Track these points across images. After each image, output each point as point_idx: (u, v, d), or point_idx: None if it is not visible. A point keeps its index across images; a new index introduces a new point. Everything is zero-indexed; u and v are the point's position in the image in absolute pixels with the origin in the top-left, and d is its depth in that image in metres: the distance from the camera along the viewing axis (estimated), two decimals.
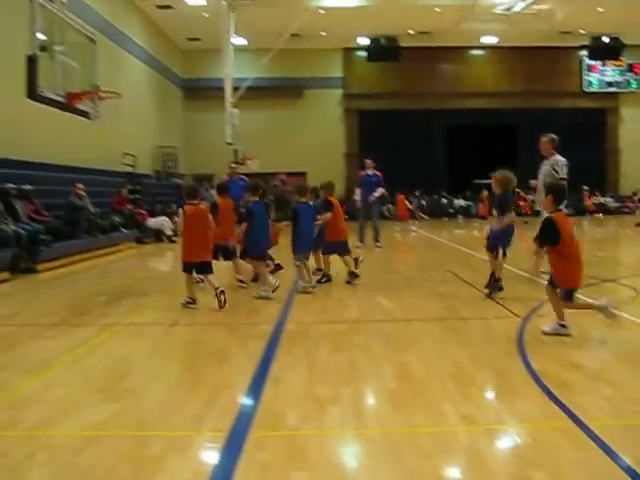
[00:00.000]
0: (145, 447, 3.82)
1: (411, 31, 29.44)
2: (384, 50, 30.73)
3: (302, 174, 32.55)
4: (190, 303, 8.19)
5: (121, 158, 21.47)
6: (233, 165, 12.63)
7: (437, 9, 25.85)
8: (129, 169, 21.67)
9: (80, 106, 10.90)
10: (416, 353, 5.87)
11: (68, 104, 10.65)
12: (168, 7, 25.09)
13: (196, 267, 8.25)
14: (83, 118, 11.34)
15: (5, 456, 3.74)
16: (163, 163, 27.45)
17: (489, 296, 8.58)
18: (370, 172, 16.13)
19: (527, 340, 6.22)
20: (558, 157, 10.09)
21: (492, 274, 8.75)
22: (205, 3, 24.18)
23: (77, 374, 5.51)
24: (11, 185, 13.43)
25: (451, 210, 31.78)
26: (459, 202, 32.14)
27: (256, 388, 4.91)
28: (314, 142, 31.79)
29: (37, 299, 9.68)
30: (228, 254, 9.77)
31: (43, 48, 10.11)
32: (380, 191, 16.10)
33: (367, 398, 4.83)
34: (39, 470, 3.56)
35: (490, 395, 4.89)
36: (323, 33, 29.51)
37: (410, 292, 9.39)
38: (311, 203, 9.59)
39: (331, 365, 5.56)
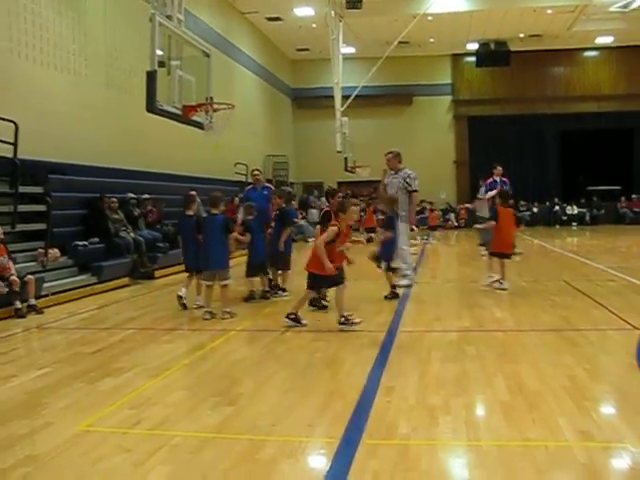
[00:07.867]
0: (259, 451, 3.92)
1: (521, 35, 28.80)
2: (493, 55, 30.25)
3: None
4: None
5: (234, 167, 22.07)
6: (256, 172, 11.76)
7: (549, 11, 25.19)
8: (242, 178, 22.21)
9: (195, 118, 11.25)
10: (529, 364, 5.74)
11: (184, 116, 11.00)
12: (277, 19, 25.73)
13: None
14: (197, 129, 11.69)
15: (130, 452, 3.96)
16: (274, 172, 27.97)
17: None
18: (497, 178, 15.62)
19: None
20: None
21: None
22: (313, 13, 24.55)
23: (194, 377, 5.73)
24: (131, 194, 14.09)
25: (564, 218, 30.77)
26: (572, 209, 31.06)
27: (368, 396, 4.93)
28: (424, 149, 31.45)
29: (155, 304, 10.07)
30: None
31: (161, 64, 10.49)
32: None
33: (479, 409, 4.75)
34: (161, 467, 3.73)
35: (608, 411, 4.68)
36: (431, 40, 29.35)
37: (523, 301, 9.18)
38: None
39: (443, 375, 5.51)
